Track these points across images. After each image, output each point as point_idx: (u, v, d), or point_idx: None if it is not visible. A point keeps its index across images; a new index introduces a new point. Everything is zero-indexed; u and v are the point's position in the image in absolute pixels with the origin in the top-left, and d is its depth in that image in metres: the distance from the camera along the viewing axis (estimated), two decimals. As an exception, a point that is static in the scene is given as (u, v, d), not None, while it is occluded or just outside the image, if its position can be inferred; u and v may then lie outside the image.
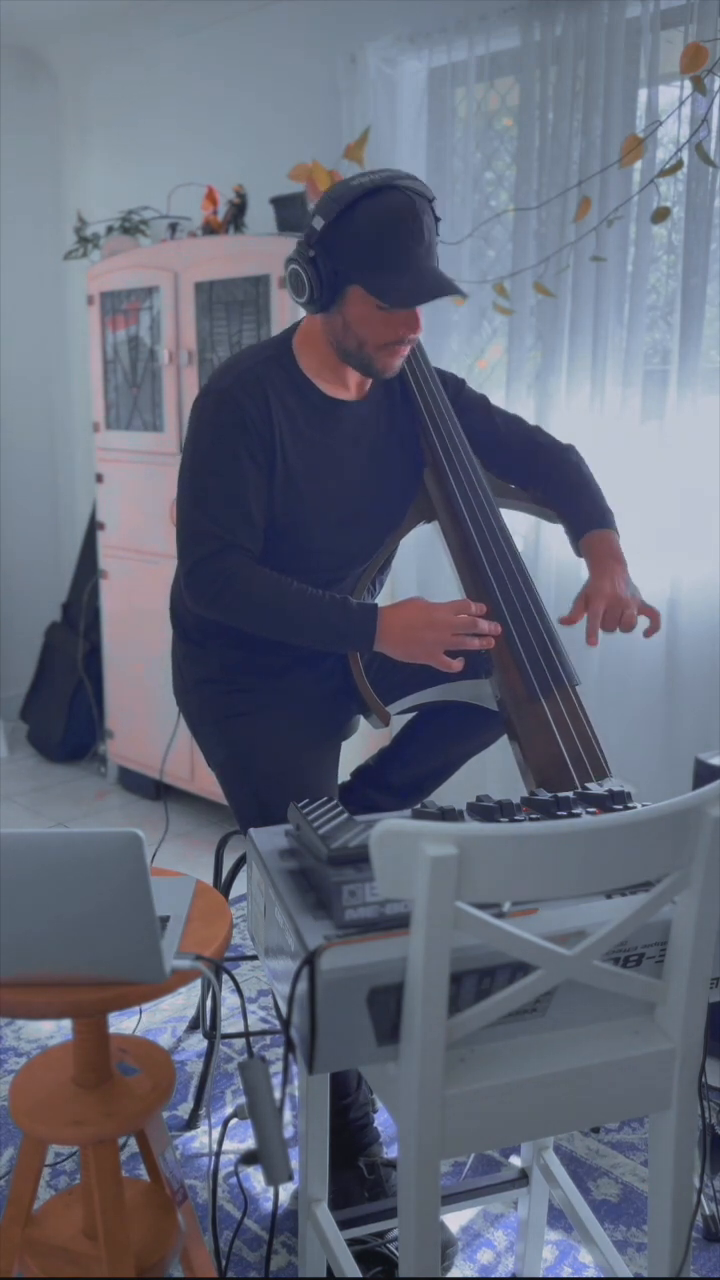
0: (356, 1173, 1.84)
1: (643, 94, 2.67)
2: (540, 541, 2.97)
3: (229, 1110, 2.20)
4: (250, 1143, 2.04)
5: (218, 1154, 1.54)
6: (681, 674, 2.77)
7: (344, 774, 2.05)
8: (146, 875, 1.27)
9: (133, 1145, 2.04)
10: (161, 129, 4.04)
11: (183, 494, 1.81)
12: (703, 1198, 1.88)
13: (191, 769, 3.58)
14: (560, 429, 2.84)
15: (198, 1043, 2.41)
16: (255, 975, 2.70)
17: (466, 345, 3.17)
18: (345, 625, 1.74)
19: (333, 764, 1.93)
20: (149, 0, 3.74)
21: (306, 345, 1.85)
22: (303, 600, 1.74)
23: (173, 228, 3.55)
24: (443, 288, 1.69)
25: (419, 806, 1.36)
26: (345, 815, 1.32)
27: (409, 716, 2.07)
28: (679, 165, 2.54)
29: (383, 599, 2.06)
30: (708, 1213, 1.86)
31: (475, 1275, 1.80)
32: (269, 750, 1.84)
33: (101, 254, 3.73)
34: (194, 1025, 2.47)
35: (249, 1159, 1.15)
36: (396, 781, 2.05)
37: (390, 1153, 1.95)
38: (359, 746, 2.40)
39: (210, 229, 3.40)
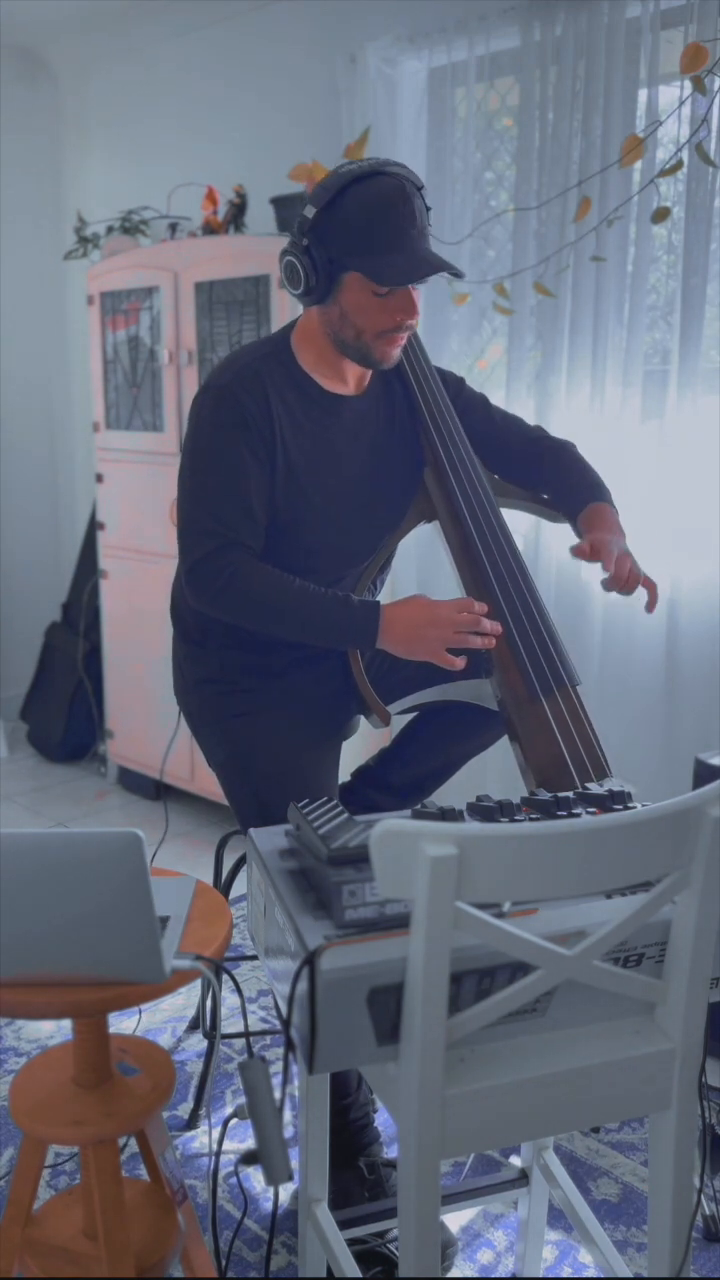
0: (356, 1173, 1.84)
1: (643, 94, 2.67)
2: (540, 541, 2.97)
3: (229, 1110, 2.19)
4: (250, 1143, 2.03)
5: (218, 1154, 1.54)
6: (681, 674, 2.77)
7: (344, 774, 2.05)
8: (146, 875, 1.27)
9: (133, 1145, 2.04)
10: (161, 129, 4.04)
11: (183, 491, 1.81)
12: (703, 1198, 1.88)
13: (191, 769, 3.57)
14: (560, 429, 2.83)
15: (198, 1043, 2.41)
16: (255, 975, 2.70)
17: (466, 345, 3.17)
18: (348, 622, 1.74)
19: (333, 764, 1.93)
20: (149, 0, 3.74)
21: (305, 341, 1.85)
22: (305, 597, 1.74)
23: (173, 228, 3.54)
24: (438, 265, 1.69)
25: (419, 806, 1.36)
26: (345, 815, 1.32)
27: (409, 716, 2.07)
28: (679, 165, 2.54)
29: (383, 599, 2.05)
30: (708, 1213, 1.86)
31: (475, 1275, 1.80)
32: (269, 750, 1.84)
33: (101, 254, 3.73)
34: (194, 1025, 2.47)
35: (249, 1159, 1.15)
36: (397, 781, 2.05)
37: (390, 1153, 1.95)
38: (359, 746, 2.40)
39: (210, 229, 3.40)
